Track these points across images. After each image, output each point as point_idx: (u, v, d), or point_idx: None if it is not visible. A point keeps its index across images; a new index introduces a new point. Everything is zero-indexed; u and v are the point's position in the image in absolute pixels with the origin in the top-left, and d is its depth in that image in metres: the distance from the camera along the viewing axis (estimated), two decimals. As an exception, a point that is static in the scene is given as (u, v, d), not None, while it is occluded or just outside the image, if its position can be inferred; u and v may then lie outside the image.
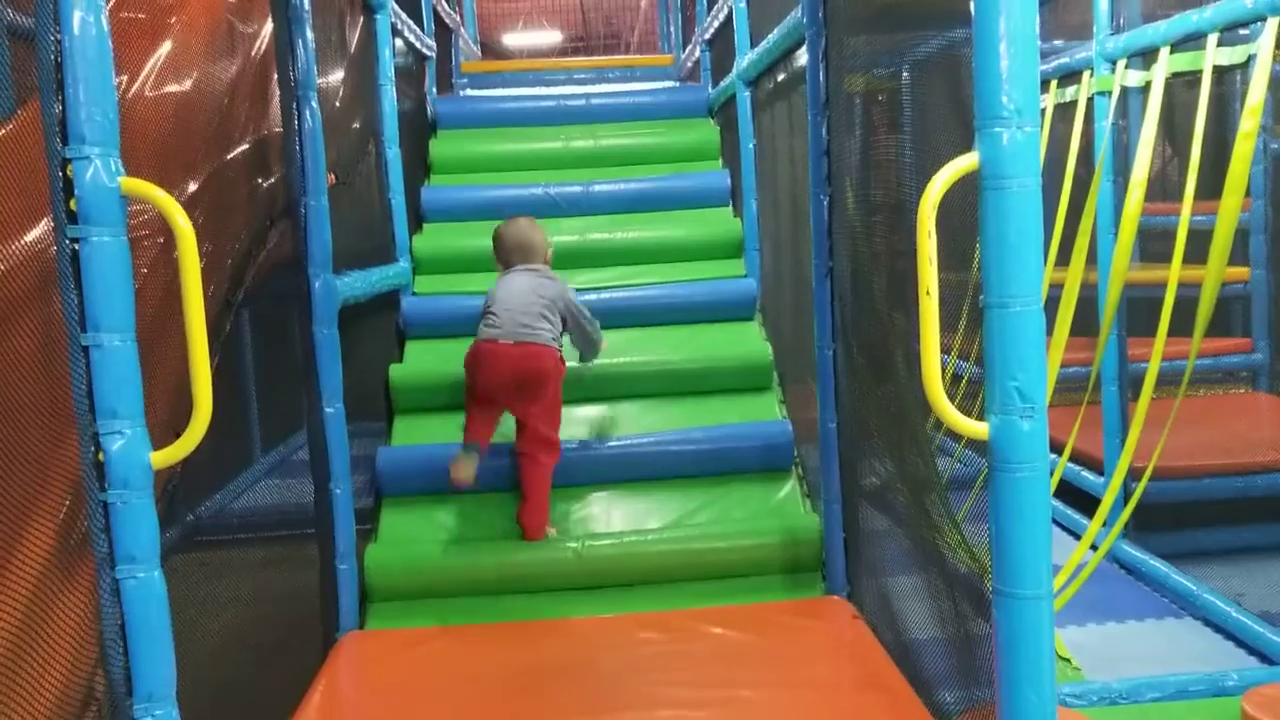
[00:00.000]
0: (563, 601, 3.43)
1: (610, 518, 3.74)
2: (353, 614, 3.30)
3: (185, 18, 2.85)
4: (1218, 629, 3.74)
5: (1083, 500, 4.72)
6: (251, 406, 3.06)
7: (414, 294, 4.57)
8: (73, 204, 1.70)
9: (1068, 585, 3.65)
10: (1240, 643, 3.62)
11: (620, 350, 4.23)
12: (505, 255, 3.77)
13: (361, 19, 4.11)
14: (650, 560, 3.51)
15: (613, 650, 3.02)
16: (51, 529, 1.89)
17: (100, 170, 1.70)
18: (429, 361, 4.26)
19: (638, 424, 4.04)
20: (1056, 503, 4.63)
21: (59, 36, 1.68)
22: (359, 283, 3.53)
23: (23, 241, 1.96)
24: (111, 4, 1.86)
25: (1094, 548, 3.88)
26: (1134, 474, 3.80)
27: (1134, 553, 4.30)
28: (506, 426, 3.80)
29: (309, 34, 3.04)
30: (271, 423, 3.17)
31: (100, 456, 1.75)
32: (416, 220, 4.91)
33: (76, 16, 1.68)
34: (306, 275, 3.09)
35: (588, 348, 3.87)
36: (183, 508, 2.41)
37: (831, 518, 3.34)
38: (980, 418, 1.85)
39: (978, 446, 2.02)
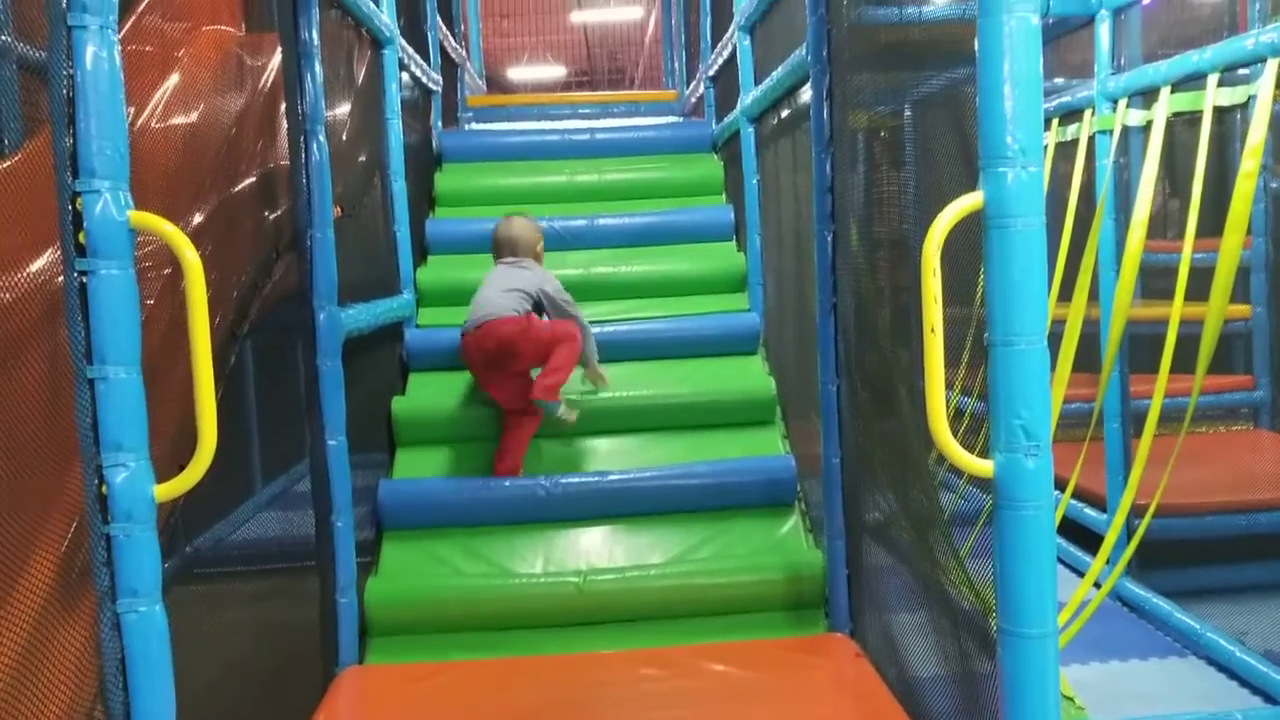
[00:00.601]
0: (564, 637, 3.41)
1: (612, 552, 3.72)
2: (352, 648, 3.29)
3: (194, 51, 2.88)
4: (1221, 668, 3.72)
5: (1085, 537, 4.71)
6: (253, 437, 3.06)
7: (417, 326, 4.57)
8: (81, 237, 1.71)
9: (1071, 623, 3.63)
10: (1244, 682, 3.60)
11: (623, 384, 4.23)
12: (495, 250, 4.14)
13: (369, 54, 4.14)
14: (652, 595, 3.49)
15: (614, 687, 3.00)
16: (53, 561, 1.89)
17: (110, 204, 1.71)
18: (431, 394, 4.26)
19: (640, 458, 4.03)
20: (1059, 540, 4.61)
21: (71, 71, 1.70)
22: (363, 315, 3.54)
23: (28, 272, 1.97)
24: (122, 36, 1.88)
25: (1097, 585, 3.87)
26: (1137, 511, 3.79)
27: (1137, 590, 4.28)
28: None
29: (317, 69, 3.06)
30: (272, 453, 3.16)
31: (104, 489, 1.75)
32: (421, 253, 4.93)
33: (89, 51, 1.69)
34: (311, 307, 3.10)
35: (585, 356, 4.00)
36: (182, 539, 2.40)
37: (835, 554, 3.33)
38: (983, 453, 1.85)
39: (981, 482, 2.02)
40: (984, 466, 1.83)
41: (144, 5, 2.75)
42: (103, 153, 1.70)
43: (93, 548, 1.78)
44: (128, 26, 2.58)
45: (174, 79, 2.70)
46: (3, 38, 2.77)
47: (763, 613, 3.50)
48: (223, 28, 3.20)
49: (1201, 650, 3.83)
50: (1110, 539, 3.76)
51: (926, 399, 1.82)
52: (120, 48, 1.76)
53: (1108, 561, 3.90)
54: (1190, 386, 3.45)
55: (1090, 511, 4.75)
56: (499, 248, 4.13)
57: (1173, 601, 4.08)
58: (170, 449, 2.13)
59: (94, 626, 1.80)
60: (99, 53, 1.70)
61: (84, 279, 1.72)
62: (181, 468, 1.83)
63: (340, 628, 3.22)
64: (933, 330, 1.81)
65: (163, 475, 1.83)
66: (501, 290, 3.87)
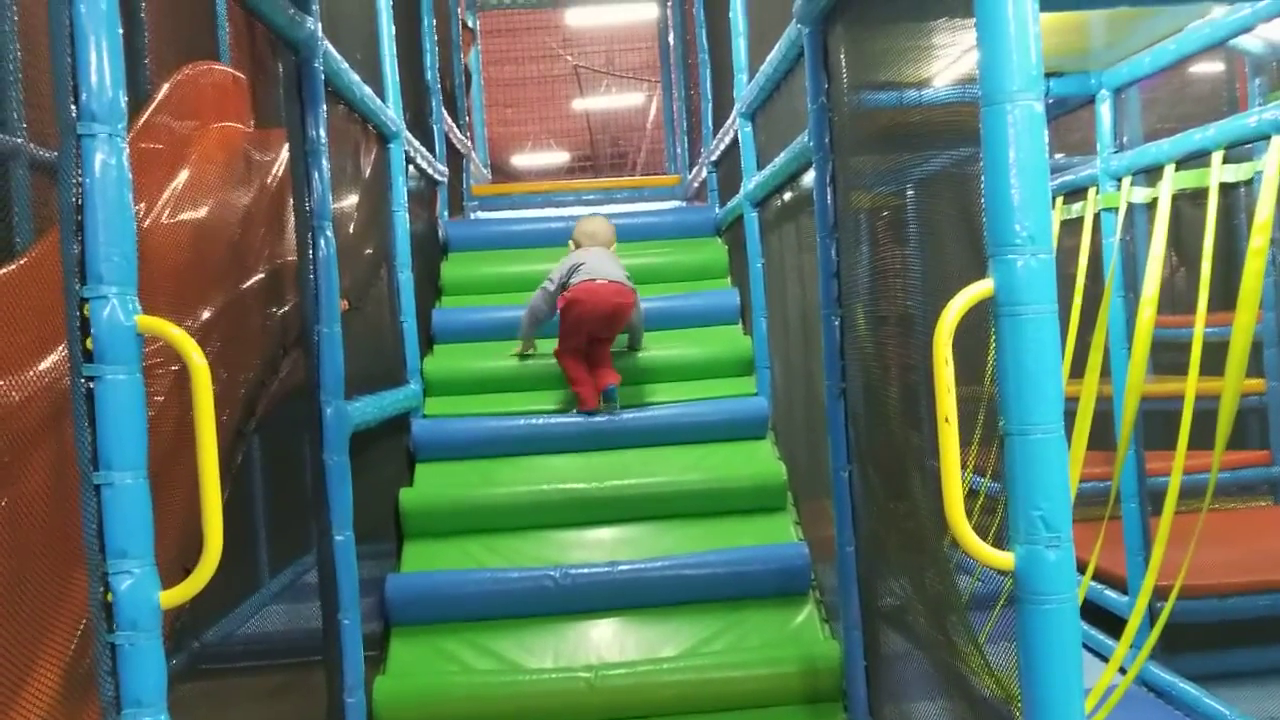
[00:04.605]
0: (576, 734, 3.34)
1: (624, 645, 3.65)
2: (361, 749, 3.21)
3: (204, 149, 2.91)
4: (1253, 754, 3.63)
5: (1107, 620, 4.62)
6: (260, 531, 3.03)
7: (424, 416, 4.55)
8: (89, 343, 1.70)
9: (1097, 709, 3.54)
10: (1277, 769, 3.51)
11: (632, 471, 4.20)
12: (581, 238, 4.78)
13: (376, 148, 4.19)
14: (665, 691, 3.42)
15: (629, 786, 2.93)
16: (58, 668, 1.85)
17: (117, 309, 1.70)
18: (439, 485, 4.23)
19: (650, 547, 3.99)
20: (1081, 624, 4.53)
21: (80, 178, 1.70)
22: (370, 407, 3.52)
23: (37, 371, 1.96)
24: (132, 135, 1.89)
25: (1122, 670, 3.78)
26: (1159, 593, 3.71)
27: (1163, 675, 4.19)
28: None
29: (324, 165, 3.08)
30: (279, 547, 3.13)
31: (109, 597, 1.72)
32: (427, 342, 4.93)
33: (98, 159, 1.69)
34: (318, 402, 3.08)
35: (637, 332, 4.69)
36: (189, 635, 2.36)
37: (852, 644, 3.26)
38: (999, 535, 1.81)
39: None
40: (1004, 559, 1.79)
41: (154, 104, 2.80)
42: (110, 259, 1.69)
43: (97, 656, 1.75)
44: (138, 125, 2.61)
45: (183, 176, 2.73)
46: (15, 140, 2.81)
47: (779, 707, 3.42)
48: (232, 124, 3.24)
49: (1232, 736, 3.73)
50: (1134, 622, 3.68)
51: (944, 491, 1.78)
52: (130, 147, 1.76)
53: (1132, 645, 3.82)
54: (1206, 463, 3.40)
55: (1111, 594, 4.67)
56: (587, 236, 4.76)
57: (1200, 686, 3.98)
58: (176, 553, 2.10)
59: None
60: (108, 160, 1.70)
61: (91, 384, 1.71)
62: (187, 571, 1.80)
63: (349, 728, 3.14)
64: (947, 420, 1.78)
65: (169, 579, 1.80)
66: (611, 264, 4.47)
